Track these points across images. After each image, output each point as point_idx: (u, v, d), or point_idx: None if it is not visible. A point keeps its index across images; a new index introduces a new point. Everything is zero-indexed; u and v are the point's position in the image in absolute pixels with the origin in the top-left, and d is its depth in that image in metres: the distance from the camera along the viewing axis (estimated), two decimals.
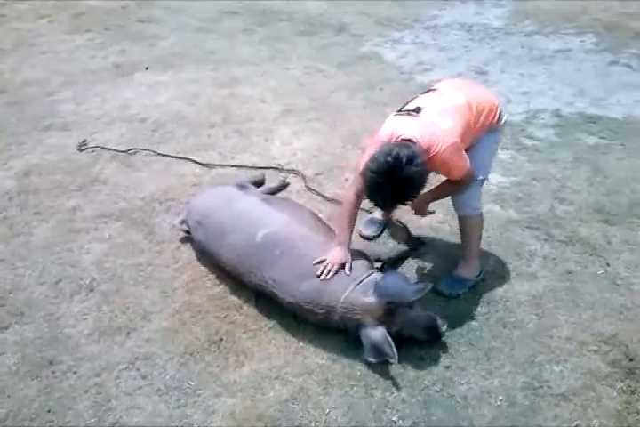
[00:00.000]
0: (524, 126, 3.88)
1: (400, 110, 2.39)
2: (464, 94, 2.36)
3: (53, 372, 2.33)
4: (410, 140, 2.18)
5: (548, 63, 4.75)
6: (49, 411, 2.18)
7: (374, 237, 2.98)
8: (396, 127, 2.27)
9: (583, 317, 2.47)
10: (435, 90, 2.45)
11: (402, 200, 2.20)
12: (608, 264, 2.73)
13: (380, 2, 6.23)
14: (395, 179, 2.05)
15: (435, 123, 2.24)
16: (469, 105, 2.31)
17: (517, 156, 3.58)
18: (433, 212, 2.60)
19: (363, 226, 3.00)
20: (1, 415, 2.16)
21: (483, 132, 2.40)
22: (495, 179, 3.35)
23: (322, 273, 2.35)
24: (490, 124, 2.40)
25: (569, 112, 4.02)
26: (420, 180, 2.12)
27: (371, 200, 2.24)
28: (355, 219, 2.49)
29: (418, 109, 2.31)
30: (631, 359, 2.26)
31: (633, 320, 2.44)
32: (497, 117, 2.42)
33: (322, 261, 2.38)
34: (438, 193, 2.54)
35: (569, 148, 3.62)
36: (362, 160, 2.33)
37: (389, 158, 2.05)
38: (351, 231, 2.48)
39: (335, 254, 2.39)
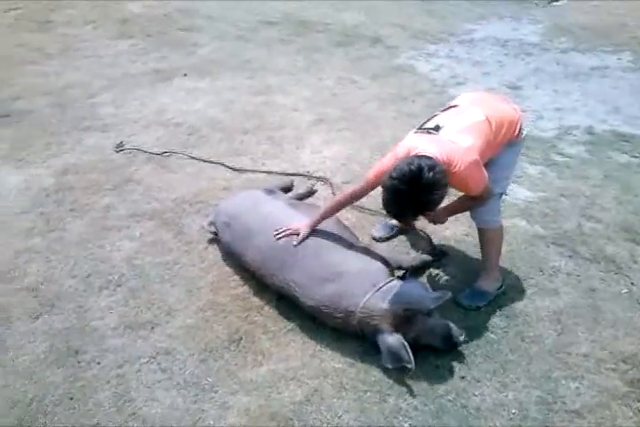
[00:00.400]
0: (555, 142, 3.87)
1: (420, 128, 2.42)
2: (483, 110, 2.37)
3: (78, 362, 2.41)
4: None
5: (584, 80, 4.73)
6: (71, 398, 2.26)
7: (382, 240, 3.04)
8: (414, 144, 2.29)
9: (603, 335, 2.46)
10: (455, 106, 2.46)
11: (421, 209, 2.21)
12: (633, 283, 2.71)
13: (416, 15, 6.30)
14: (416, 185, 2.07)
15: (453, 141, 2.25)
16: (489, 121, 2.33)
17: (547, 172, 3.57)
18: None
19: (375, 229, 3.08)
20: (27, 400, 2.25)
21: (502, 147, 2.41)
22: (523, 194, 3.36)
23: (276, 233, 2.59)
24: (510, 139, 2.42)
25: (602, 129, 4.00)
26: (440, 188, 2.12)
27: (390, 211, 2.25)
28: (335, 209, 2.65)
29: (437, 128, 2.33)
30: None
31: None
32: (517, 131, 2.44)
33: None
34: (456, 207, 2.58)
35: (600, 165, 3.60)
36: (372, 170, 2.43)
37: (412, 167, 2.08)
38: (325, 217, 2.63)
39: (297, 224, 2.60)
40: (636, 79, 4.73)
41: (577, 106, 4.34)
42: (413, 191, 2.09)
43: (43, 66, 5.43)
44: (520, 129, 2.47)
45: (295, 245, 2.53)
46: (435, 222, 2.68)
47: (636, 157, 3.67)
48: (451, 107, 2.50)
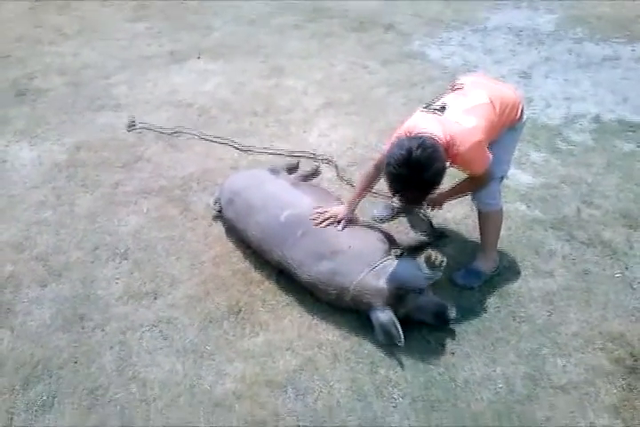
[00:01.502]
0: (561, 130, 3.88)
1: (426, 107, 2.43)
2: (487, 92, 2.40)
3: (83, 327, 2.52)
4: (431, 138, 2.21)
5: (595, 70, 4.71)
6: (76, 362, 2.37)
7: (383, 221, 3.10)
8: (418, 123, 2.31)
9: (594, 316, 2.51)
10: (460, 88, 2.48)
11: (425, 186, 2.19)
12: (627, 268, 2.75)
13: (431, 3, 6.27)
14: (409, 166, 2.09)
15: (458, 122, 2.27)
16: (493, 103, 2.35)
17: (551, 158, 3.59)
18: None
19: (377, 209, 3.13)
20: (33, 362, 2.36)
21: (504, 130, 2.44)
22: (525, 179, 3.39)
23: (315, 218, 2.58)
24: (511, 122, 2.45)
25: (609, 119, 4.00)
26: (434, 162, 2.11)
27: (397, 194, 2.29)
28: (367, 186, 2.67)
29: (443, 108, 2.35)
30: (636, 359, 2.29)
31: None
32: (518, 115, 2.47)
33: (321, 211, 2.60)
34: (457, 191, 2.62)
35: (603, 153, 3.62)
36: (387, 142, 2.44)
37: (401, 151, 2.10)
38: (361, 195, 2.66)
39: (336, 209, 2.60)
40: None
41: (586, 95, 4.33)
42: (410, 172, 2.11)
43: (60, 46, 5.52)
44: (521, 112, 2.50)
45: (340, 230, 2.56)
46: (434, 206, 2.73)
47: None
48: (456, 88, 2.53)
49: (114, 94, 4.55)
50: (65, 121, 4.16)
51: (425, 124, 2.28)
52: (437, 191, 2.39)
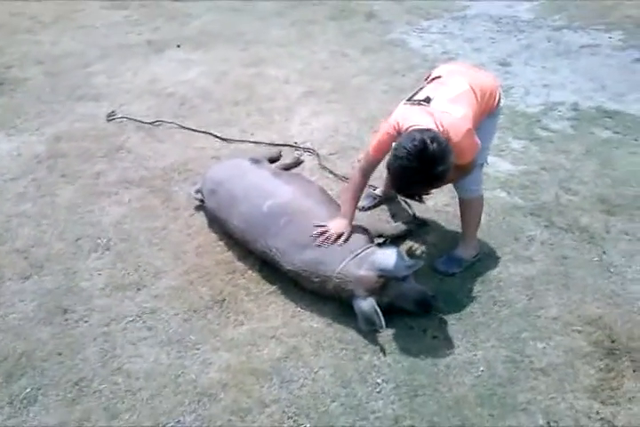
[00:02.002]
0: (540, 118, 3.92)
1: (410, 99, 2.42)
2: (466, 79, 2.41)
3: (66, 320, 2.51)
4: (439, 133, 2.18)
5: (574, 58, 4.76)
6: (60, 354, 2.36)
7: (365, 209, 3.12)
8: (407, 117, 2.30)
9: (572, 299, 2.55)
10: (438, 77, 2.49)
11: (433, 182, 2.19)
12: (604, 252, 2.80)
13: None
14: (424, 160, 2.05)
15: (447, 112, 2.27)
16: (473, 90, 2.37)
17: (530, 146, 3.63)
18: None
19: None
20: (16, 355, 2.35)
21: (484, 116, 2.46)
22: (505, 167, 3.43)
23: (320, 239, 2.48)
24: (490, 109, 2.47)
25: (587, 106, 4.04)
26: (449, 158, 2.10)
27: (401, 190, 2.28)
28: (359, 195, 2.63)
29: (428, 99, 2.33)
30: (613, 341, 2.34)
31: (621, 305, 2.51)
32: (497, 101, 2.49)
33: (322, 227, 2.52)
34: None
35: (582, 140, 3.66)
36: (371, 142, 2.45)
37: (415, 142, 2.06)
38: (355, 206, 2.60)
39: (337, 225, 2.52)
40: (625, 57, 4.76)
41: (565, 83, 4.38)
42: (423, 166, 2.06)
43: (37, 35, 5.45)
44: (499, 98, 2.52)
45: (341, 245, 2.48)
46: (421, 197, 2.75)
47: (618, 132, 3.72)
48: (434, 78, 2.55)
49: (93, 84, 4.52)
50: (44, 111, 4.11)
51: (415, 117, 2.27)
52: None
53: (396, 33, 5.34)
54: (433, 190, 2.41)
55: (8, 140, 3.77)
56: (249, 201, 2.72)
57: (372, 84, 4.43)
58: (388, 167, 2.21)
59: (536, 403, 2.14)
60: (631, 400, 2.13)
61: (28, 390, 2.22)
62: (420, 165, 2.06)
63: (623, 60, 4.74)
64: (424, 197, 2.67)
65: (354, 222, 2.65)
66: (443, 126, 2.21)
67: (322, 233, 2.50)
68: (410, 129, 2.22)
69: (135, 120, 3.94)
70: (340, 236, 2.50)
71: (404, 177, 2.15)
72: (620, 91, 4.24)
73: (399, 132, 2.29)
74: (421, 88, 2.48)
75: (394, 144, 2.24)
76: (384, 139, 2.36)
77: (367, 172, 2.52)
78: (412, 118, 2.27)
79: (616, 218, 3.00)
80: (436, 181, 2.17)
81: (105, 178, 3.39)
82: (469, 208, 2.70)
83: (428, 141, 2.05)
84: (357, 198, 2.63)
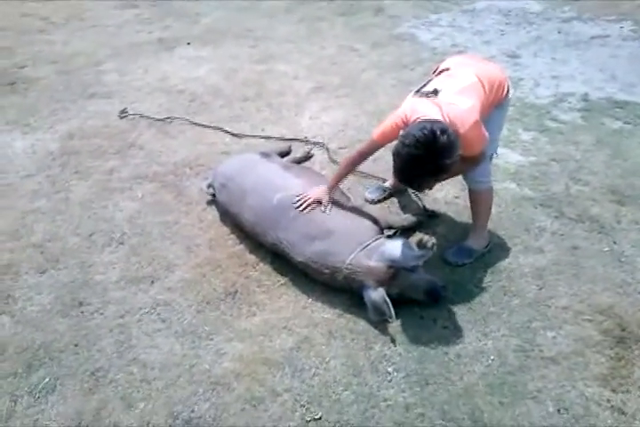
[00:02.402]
0: (549, 109, 3.92)
1: (418, 91, 2.44)
2: (474, 71, 2.42)
3: (82, 312, 2.56)
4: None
5: (583, 49, 4.74)
6: (76, 345, 2.41)
7: (375, 202, 3.14)
8: (416, 108, 2.31)
9: (582, 289, 2.56)
10: (446, 69, 2.51)
11: (438, 174, 2.19)
12: (615, 242, 2.80)
13: None
14: (431, 150, 2.07)
15: (454, 103, 2.28)
16: (481, 82, 2.37)
17: (540, 137, 3.63)
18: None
19: (369, 191, 3.17)
20: (35, 346, 2.40)
21: (492, 108, 2.47)
22: (515, 158, 3.43)
23: (301, 207, 2.59)
24: (499, 100, 2.47)
25: (597, 97, 4.03)
26: (455, 150, 2.12)
27: (404, 178, 2.26)
28: (349, 171, 2.71)
29: (435, 92, 2.35)
30: (623, 329, 2.35)
31: (631, 294, 2.52)
32: (505, 92, 2.49)
33: (303, 196, 2.63)
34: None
35: (592, 131, 3.66)
36: (377, 129, 2.47)
37: (425, 131, 2.06)
38: (340, 179, 2.70)
39: (316, 191, 2.62)
40: (636, 48, 4.73)
41: (574, 74, 4.37)
42: (429, 156, 2.08)
43: (49, 35, 5.51)
44: (507, 90, 2.53)
45: (324, 211, 2.59)
46: (424, 188, 2.77)
47: (629, 122, 3.71)
48: (442, 70, 2.56)
49: (105, 82, 4.57)
50: (57, 109, 4.17)
51: (423, 109, 2.29)
52: None
53: (404, 27, 5.34)
54: (434, 184, 2.37)
55: (22, 138, 3.83)
56: (259, 194, 2.75)
57: (380, 78, 4.45)
58: (395, 154, 2.21)
59: (546, 391, 2.15)
60: None
61: (46, 380, 2.27)
62: (427, 154, 2.08)
63: (634, 50, 4.71)
64: (426, 190, 2.70)
65: (364, 213, 2.69)
66: (450, 118, 2.22)
67: (303, 202, 2.60)
68: (419, 121, 2.23)
69: (147, 117, 3.98)
70: (319, 202, 2.59)
71: (410, 165, 2.15)
72: (630, 81, 4.22)
73: (406, 124, 2.30)
74: (430, 80, 2.50)
75: (401, 132, 2.26)
76: (391, 129, 2.38)
77: (365, 154, 2.57)
78: (419, 110, 2.29)
79: (626, 208, 3.00)
80: (439, 172, 2.18)
81: (118, 174, 3.43)
82: (479, 200, 2.72)
83: (438, 132, 2.07)
84: (346, 174, 2.71)
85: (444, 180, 2.43)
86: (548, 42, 4.89)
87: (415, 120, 2.26)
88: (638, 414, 2.05)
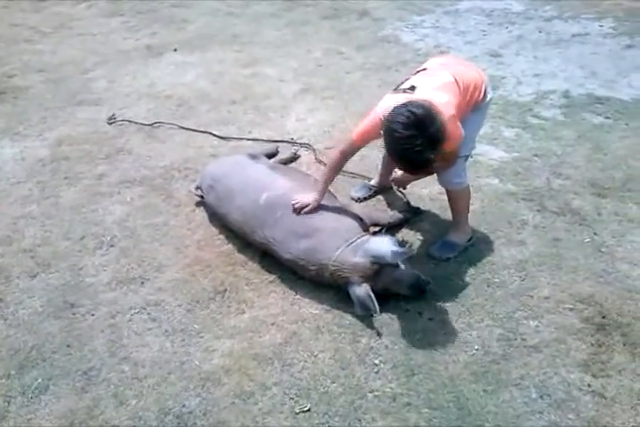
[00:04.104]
0: (531, 106, 3.99)
1: (395, 89, 2.51)
2: (451, 72, 2.47)
3: (74, 314, 2.59)
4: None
5: (564, 47, 4.83)
6: (68, 346, 2.44)
7: (361, 200, 3.20)
8: (392, 105, 2.31)
9: (564, 279, 2.62)
10: (424, 69, 2.57)
11: (436, 145, 2.16)
12: (595, 233, 2.86)
13: None
14: (420, 123, 2.10)
15: (431, 98, 2.31)
16: (457, 83, 2.42)
17: (522, 133, 3.70)
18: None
19: (354, 189, 3.22)
20: (27, 348, 2.43)
21: (469, 110, 2.51)
22: (497, 154, 3.50)
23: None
24: (476, 102, 2.52)
25: (578, 93, 4.11)
26: (437, 114, 2.15)
27: (415, 166, 2.26)
28: (335, 175, 2.73)
29: (413, 88, 2.41)
30: (603, 317, 2.41)
31: (611, 283, 2.58)
32: (482, 95, 2.53)
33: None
34: None
35: (573, 127, 3.73)
36: (357, 129, 2.51)
37: (404, 111, 2.12)
38: (328, 184, 2.72)
39: (304, 197, 2.65)
40: (616, 44, 4.82)
41: (556, 71, 4.45)
42: (419, 131, 2.11)
43: (37, 44, 5.55)
44: (485, 92, 2.57)
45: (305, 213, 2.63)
46: (399, 186, 2.93)
47: (609, 117, 3.79)
48: (421, 70, 2.61)
49: (93, 89, 4.61)
50: (46, 117, 4.21)
51: None
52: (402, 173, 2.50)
53: (388, 29, 5.42)
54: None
55: (12, 145, 3.86)
56: (246, 194, 2.80)
57: (366, 79, 4.51)
58: (391, 152, 2.24)
59: (529, 378, 2.20)
60: (621, 372, 2.19)
61: (39, 380, 2.30)
62: (416, 130, 2.10)
63: (614, 47, 4.80)
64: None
65: (350, 211, 2.74)
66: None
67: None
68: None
69: (135, 122, 4.03)
70: (305, 206, 2.62)
71: (412, 150, 2.14)
72: (610, 77, 4.30)
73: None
74: (407, 79, 2.55)
75: (382, 130, 2.27)
76: (369, 129, 2.43)
77: (347, 154, 2.61)
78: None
79: (607, 200, 3.06)
80: (435, 143, 2.16)
81: (107, 179, 3.47)
82: (457, 199, 2.75)
83: (414, 108, 2.12)
84: (332, 178, 2.73)
85: (428, 173, 2.47)
86: (530, 41, 4.97)
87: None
88: (618, 397, 2.11)
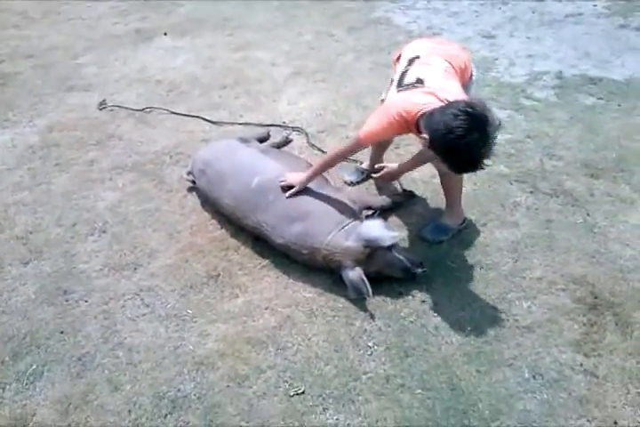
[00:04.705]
0: (524, 88, 3.97)
1: (400, 85, 2.40)
2: (443, 56, 2.44)
3: (67, 300, 2.59)
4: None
5: (558, 27, 4.79)
6: (62, 332, 2.44)
7: (354, 184, 3.19)
8: (412, 101, 2.24)
9: (556, 260, 2.62)
10: (417, 58, 2.48)
11: (494, 141, 2.04)
12: (588, 214, 2.86)
13: None
14: (479, 125, 1.98)
15: (445, 88, 2.26)
16: (452, 66, 2.41)
17: (515, 115, 3.69)
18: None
19: (347, 173, 3.21)
20: (21, 334, 2.43)
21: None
22: None
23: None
24: (465, 81, 2.49)
25: (571, 74, 4.09)
26: (490, 110, 2.05)
27: (476, 166, 2.09)
28: (327, 168, 2.72)
29: (420, 81, 2.33)
30: (595, 297, 2.42)
31: (603, 263, 2.58)
32: (470, 72, 2.52)
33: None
34: (417, 161, 2.65)
35: (566, 107, 3.71)
36: (362, 130, 2.41)
37: (460, 117, 1.97)
38: (320, 171, 2.70)
39: (292, 177, 2.66)
40: (609, 24, 4.79)
41: (549, 52, 4.41)
42: (483, 132, 1.99)
43: (25, 30, 5.49)
44: (471, 69, 2.56)
45: (287, 197, 2.62)
46: (390, 180, 2.90)
47: (602, 98, 3.77)
48: (412, 59, 2.50)
49: (83, 74, 4.56)
50: (36, 103, 4.17)
51: (421, 99, 2.23)
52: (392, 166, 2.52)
53: (380, 11, 5.36)
54: None
55: (2, 132, 3.83)
56: (238, 178, 2.78)
57: (357, 62, 4.48)
58: (451, 151, 2.05)
59: (522, 358, 2.22)
60: (612, 352, 2.21)
61: (33, 367, 2.30)
62: (479, 130, 1.98)
63: (607, 27, 4.77)
64: None
65: (342, 195, 2.73)
66: (447, 102, 2.15)
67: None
68: (422, 113, 2.18)
69: (126, 108, 3.99)
70: (290, 187, 2.63)
71: (475, 149, 2.01)
72: (604, 58, 4.28)
73: (408, 121, 2.26)
74: (404, 72, 2.46)
75: (428, 135, 2.12)
76: (384, 128, 2.33)
77: (349, 154, 2.60)
78: (418, 101, 2.23)
79: (599, 181, 3.06)
80: (494, 138, 2.05)
81: (98, 165, 3.45)
82: (449, 180, 2.73)
83: (468, 110, 1.99)
84: (321, 172, 2.71)
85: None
86: (523, 21, 4.93)
87: (418, 112, 2.21)
88: (609, 376, 2.13)
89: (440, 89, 2.26)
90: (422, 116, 2.21)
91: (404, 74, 2.46)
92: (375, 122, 2.37)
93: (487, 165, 2.14)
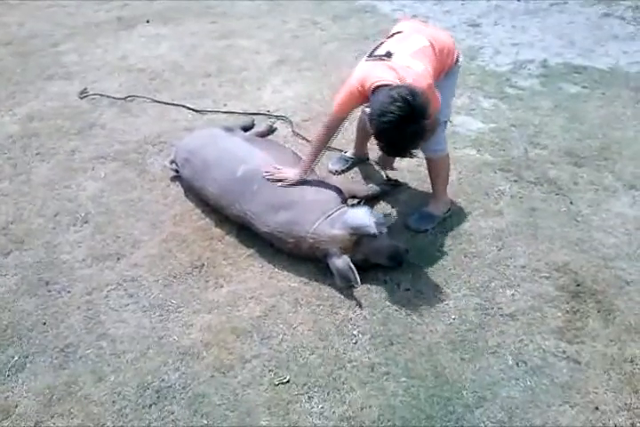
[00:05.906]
0: (509, 76, 3.97)
1: (370, 55, 2.44)
2: (426, 36, 2.43)
3: (49, 291, 2.56)
4: (387, 86, 2.21)
5: (543, 16, 4.79)
6: (44, 323, 2.41)
7: (339, 173, 3.17)
8: (370, 73, 2.30)
9: (540, 248, 2.64)
10: (399, 32, 2.51)
11: (424, 132, 2.16)
12: (571, 203, 2.88)
13: None
14: (411, 115, 2.05)
15: (409, 66, 2.28)
16: (433, 46, 2.39)
17: (499, 104, 3.69)
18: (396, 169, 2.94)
19: (332, 162, 3.19)
20: (2, 326, 2.40)
21: (443, 74, 2.49)
22: (475, 125, 3.48)
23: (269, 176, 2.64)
24: (449, 66, 2.50)
25: (556, 62, 4.09)
26: (428, 105, 2.11)
27: (399, 152, 2.26)
28: (321, 150, 2.66)
29: (389, 54, 2.35)
30: (578, 284, 2.44)
31: (587, 251, 2.60)
32: (454, 59, 2.51)
33: (278, 169, 2.66)
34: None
35: (550, 96, 3.72)
36: (336, 100, 2.46)
37: (398, 103, 2.04)
38: (313, 160, 2.67)
39: (288, 171, 2.64)
40: (593, 13, 4.80)
41: (534, 41, 4.42)
42: (413, 122, 2.06)
43: (3, 16, 5.38)
44: (457, 56, 2.55)
45: (280, 186, 2.60)
46: (385, 166, 2.88)
47: (586, 87, 3.79)
48: (395, 33, 2.53)
49: (63, 62, 4.49)
50: (15, 92, 4.09)
51: (379, 73, 2.27)
52: None
53: None
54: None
55: None
56: (223, 167, 2.76)
57: (342, 50, 4.45)
58: (378, 133, 2.17)
59: (505, 346, 2.23)
60: (595, 339, 2.23)
61: (15, 358, 2.28)
62: (410, 121, 2.06)
63: (591, 15, 4.78)
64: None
65: (327, 184, 2.72)
66: (405, 81, 2.21)
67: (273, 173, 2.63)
68: (375, 86, 2.23)
69: (107, 96, 3.94)
70: (282, 180, 2.61)
71: (399, 138, 2.13)
72: (588, 46, 4.29)
73: (364, 90, 2.30)
74: (382, 43, 2.49)
75: (368, 109, 2.23)
76: (348, 98, 2.39)
77: (331, 129, 2.55)
78: (375, 74, 2.28)
79: (583, 169, 3.08)
80: (424, 132, 2.16)
81: (80, 154, 3.40)
82: (436, 167, 2.75)
83: (409, 97, 2.04)
84: (318, 153, 2.67)
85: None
86: (508, 10, 4.93)
87: (372, 84, 2.25)
88: (592, 363, 2.15)
89: (404, 67, 2.27)
90: (375, 89, 2.24)
91: (379, 45, 2.47)
92: (342, 91, 2.42)
93: (414, 156, 2.32)
